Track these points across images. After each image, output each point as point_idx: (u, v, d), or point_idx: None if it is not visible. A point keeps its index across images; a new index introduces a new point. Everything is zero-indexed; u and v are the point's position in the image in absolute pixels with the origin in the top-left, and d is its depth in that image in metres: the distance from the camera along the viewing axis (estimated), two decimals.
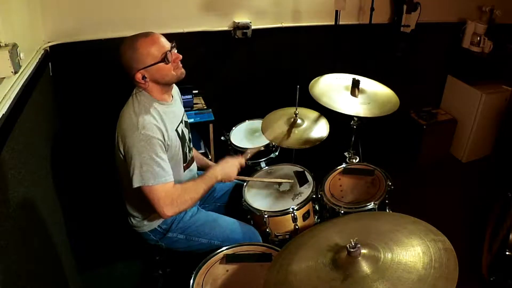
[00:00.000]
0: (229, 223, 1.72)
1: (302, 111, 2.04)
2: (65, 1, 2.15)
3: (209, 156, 2.50)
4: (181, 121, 1.66)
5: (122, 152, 1.45)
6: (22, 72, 1.62)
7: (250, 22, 2.58)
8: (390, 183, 1.78)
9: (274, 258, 1.40)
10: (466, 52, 3.20)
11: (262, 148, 2.09)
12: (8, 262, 1.17)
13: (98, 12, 2.24)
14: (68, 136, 2.32)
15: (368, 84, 2.07)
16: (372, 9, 2.70)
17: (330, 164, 2.01)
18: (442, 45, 3.29)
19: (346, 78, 2.06)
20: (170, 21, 2.39)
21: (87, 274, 2.20)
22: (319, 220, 1.84)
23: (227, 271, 1.42)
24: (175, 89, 1.70)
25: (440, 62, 3.39)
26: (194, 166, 1.81)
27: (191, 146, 1.79)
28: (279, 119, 2.06)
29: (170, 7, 2.39)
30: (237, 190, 1.92)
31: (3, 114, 1.29)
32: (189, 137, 1.75)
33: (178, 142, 1.59)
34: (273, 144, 2.16)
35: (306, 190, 1.80)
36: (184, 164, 1.68)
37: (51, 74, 2.18)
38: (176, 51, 1.51)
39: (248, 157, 1.93)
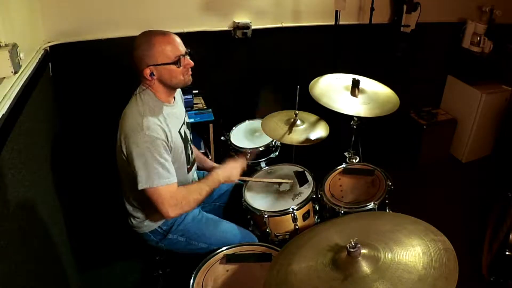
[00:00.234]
0: (229, 229, 1.72)
1: (301, 114, 2.05)
2: (65, 1, 2.15)
3: (209, 156, 2.50)
4: (183, 123, 1.66)
5: (125, 152, 1.44)
6: (22, 72, 1.61)
7: (250, 22, 2.58)
8: (390, 183, 1.78)
9: (274, 258, 1.40)
10: (466, 52, 3.20)
11: (262, 149, 2.09)
12: (8, 262, 1.17)
13: (98, 12, 2.24)
14: (68, 136, 2.32)
15: (368, 84, 2.06)
16: (372, 9, 2.71)
17: (330, 164, 2.01)
18: (442, 45, 3.29)
19: (346, 78, 2.06)
20: (170, 21, 2.39)
21: (87, 274, 2.20)
22: (319, 220, 1.84)
23: (227, 271, 1.42)
24: (177, 91, 1.70)
25: (440, 62, 3.39)
26: (196, 167, 1.81)
27: (192, 148, 1.79)
28: (279, 119, 2.07)
29: (170, 7, 2.39)
30: (237, 190, 1.92)
31: (3, 114, 1.29)
32: (190, 138, 1.75)
33: (181, 144, 1.59)
34: (273, 144, 2.16)
35: (306, 190, 1.80)
36: (188, 166, 1.68)
37: (51, 74, 2.18)
38: (189, 57, 1.51)
39: (248, 157, 1.93)
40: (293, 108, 2.04)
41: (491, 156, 3.47)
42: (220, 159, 1.74)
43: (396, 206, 1.80)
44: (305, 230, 1.44)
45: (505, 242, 2.04)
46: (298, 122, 2.02)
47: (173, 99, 1.61)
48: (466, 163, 3.43)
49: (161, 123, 1.46)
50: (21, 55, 1.44)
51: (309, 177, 1.87)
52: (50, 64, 2.16)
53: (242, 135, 2.27)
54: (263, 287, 1.14)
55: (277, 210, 1.71)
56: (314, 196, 1.79)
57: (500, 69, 3.18)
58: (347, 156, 2.16)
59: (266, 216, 1.70)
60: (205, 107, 2.52)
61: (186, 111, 1.80)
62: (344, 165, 2.00)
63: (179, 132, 1.59)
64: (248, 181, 1.88)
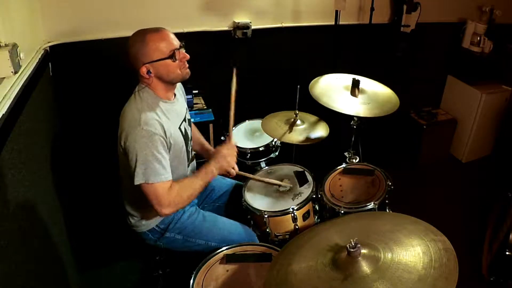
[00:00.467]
0: (226, 225, 1.72)
1: (301, 114, 2.05)
2: (65, 1, 2.15)
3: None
4: (184, 119, 1.66)
5: (123, 148, 1.44)
6: (22, 72, 1.61)
7: (250, 22, 2.58)
8: (390, 183, 1.78)
9: (274, 258, 1.40)
10: (466, 52, 3.20)
11: (262, 149, 2.09)
12: (8, 262, 1.17)
13: (98, 12, 2.24)
14: (68, 136, 2.32)
15: (368, 84, 2.07)
16: (372, 9, 2.71)
17: (330, 164, 2.01)
18: (442, 45, 3.29)
19: (346, 78, 2.06)
20: (170, 21, 2.39)
21: (87, 274, 2.20)
22: (319, 220, 1.84)
23: (227, 271, 1.42)
24: (178, 87, 1.70)
25: (440, 62, 3.39)
26: (193, 166, 1.81)
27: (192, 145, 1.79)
28: (279, 119, 2.07)
29: (170, 7, 2.39)
30: (236, 190, 1.92)
31: (3, 114, 1.29)
32: (191, 135, 1.75)
33: (182, 140, 1.59)
34: (273, 144, 2.16)
35: (306, 190, 1.80)
36: (188, 163, 1.68)
37: (51, 74, 2.18)
38: (184, 50, 1.51)
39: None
40: (293, 108, 2.04)
41: (491, 156, 3.47)
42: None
43: (396, 206, 1.80)
44: (305, 230, 1.45)
45: (505, 242, 2.04)
46: (298, 122, 2.02)
47: (173, 96, 1.61)
48: (466, 163, 3.43)
49: (160, 118, 1.46)
50: (21, 55, 1.44)
51: (309, 177, 1.87)
52: (50, 64, 2.16)
53: (242, 135, 2.27)
54: (263, 287, 1.14)
55: (277, 210, 1.71)
56: (314, 196, 1.79)
57: (500, 69, 3.18)
58: (347, 156, 2.16)
59: (266, 216, 1.70)
60: (205, 107, 2.52)
61: None
62: (344, 165, 2.00)
63: (180, 128, 1.59)
64: (247, 177, 1.87)
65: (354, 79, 1.96)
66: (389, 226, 1.19)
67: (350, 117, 2.08)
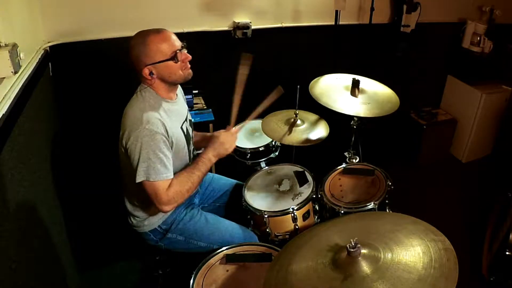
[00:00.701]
0: (228, 227, 1.72)
1: (301, 113, 2.04)
2: (65, 1, 2.15)
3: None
4: (186, 119, 1.66)
5: (125, 147, 1.44)
6: (22, 72, 1.61)
7: (250, 22, 2.58)
8: (390, 183, 1.78)
9: (274, 258, 1.40)
10: (466, 52, 3.20)
11: (262, 149, 2.09)
12: (8, 262, 1.17)
13: (98, 12, 2.24)
14: (68, 136, 2.32)
15: (368, 84, 2.06)
16: (372, 9, 2.71)
17: (330, 164, 2.01)
18: (442, 45, 3.29)
19: (346, 78, 2.06)
20: (170, 21, 2.38)
21: (87, 274, 2.20)
22: (319, 220, 1.84)
23: (227, 271, 1.42)
24: (179, 88, 1.70)
25: (440, 62, 3.39)
26: None
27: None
28: (279, 120, 2.07)
29: (170, 7, 2.39)
30: (237, 190, 1.92)
31: (3, 114, 1.29)
32: (192, 136, 1.75)
33: (183, 140, 1.59)
34: (273, 144, 2.16)
35: (306, 190, 1.80)
36: (189, 162, 1.68)
37: (51, 74, 2.18)
38: (186, 51, 1.51)
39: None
40: (293, 109, 2.04)
41: (491, 156, 3.47)
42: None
43: (396, 206, 1.80)
44: (305, 230, 1.45)
45: (505, 242, 2.04)
46: (298, 122, 2.02)
47: (175, 96, 1.62)
48: (466, 163, 3.43)
49: (162, 118, 1.46)
50: (21, 55, 1.44)
51: (309, 177, 1.87)
52: (50, 64, 2.16)
53: (242, 135, 2.26)
54: (263, 287, 1.14)
55: (277, 210, 1.71)
56: (314, 196, 1.79)
57: (500, 69, 3.18)
58: (347, 156, 2.16)
59: (266, 216, 1.70)
60: (205, 107, 2.52)
61: None
62: (344, 165, 2.00)
63: (181, 128, 1.60)
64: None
65: (354, 79, 1.95)
66: (389, 226, 1.19)
67: (350, 117, 2.08)
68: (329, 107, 1.86)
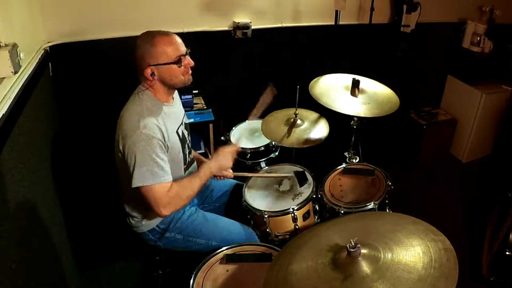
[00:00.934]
0: (226, 224, 1.72)
1: (301, 112, 2.04)
2: (65, 1, 2.15)
3: (209, 156, 2.50)
4: (181, 123, 1.66)
5: (122, 151, 1.44)
6: (22, 72, 1.61)
7: (250, 22, 2.58)
8: (390, 183, 1.78)
9: (274, 258, 1.40)
10: (466, 52, 3.20)
11: (262, 149, 2.08)
12: (8, 262, 1.17)
13: (98, 12, 2.24)
14: (68, 136, 2.32)
15: (368, 84, 2.07)
16: (372, 9, 2.71)
17: (330, 164, 2.01)
18: (442, 45, 3.29)
19: (346, 78, 2.06)
20: (170, 21, 2.39)
21: (87, 273, 2.20)
22: (319, 220, 1.84)
23: (227, 271, 1.42)
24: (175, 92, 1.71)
25: (440, 62, 3.39)
26: (194, 168, 1.80)
27: (190, 147, 1.79)
28: (279, 120, 2.07)
29: (170, 7, 2.39)
30: (236, 190, 1.92)
31: (3, 114, 1.29)
32: (189, 138, 1.75)
33: (178, 144, 1.59)
34: (273, 144, 2.16)
35: (306, 190, 1.80)
36: (184, 166, 1.68)
37: (51, 74, 2.18)
38: (189, 57, 1.52)
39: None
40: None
41: (491, 156, 3.47)
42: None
43: (396, 206, 1.80)
44: (305, 230, 1.45)
45: (505, 242, 2.04)
46: (299, 121, 2.02)
47: (172, 99, 1.62)
48: (466, 163, 3.43)
49: (158, 123, 1.46)
50: (21, 55, 1.44)
51: (309, 177, 1.87)
52: (50, 64, 2.16)
53: (242, 135, 2.27)
54: (263, 287, 1.14)
55: (277, 210, 1.71)
56: (314, 196, 1.79)
57: (500, 69, 3.18)
58: (347, 156, 2.16)
59: (266, 216, 1.70)
60: (205, 107, 2.52)
61: (186, 111, 1.80)
62: (344, 165, 2.00)
63: (177, 132, 1.60)
64: (247, 177, 1.86)
65: (354, 79, 1.96)
66: (389, 226, 1.19)
67: (350, 117, 2.08)
68: (329, 107, 1.86)
